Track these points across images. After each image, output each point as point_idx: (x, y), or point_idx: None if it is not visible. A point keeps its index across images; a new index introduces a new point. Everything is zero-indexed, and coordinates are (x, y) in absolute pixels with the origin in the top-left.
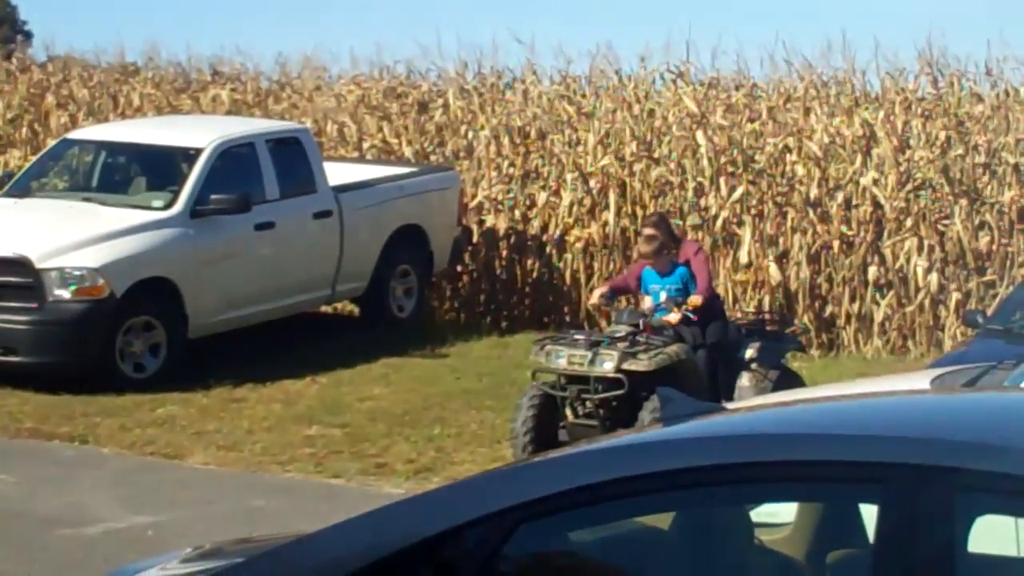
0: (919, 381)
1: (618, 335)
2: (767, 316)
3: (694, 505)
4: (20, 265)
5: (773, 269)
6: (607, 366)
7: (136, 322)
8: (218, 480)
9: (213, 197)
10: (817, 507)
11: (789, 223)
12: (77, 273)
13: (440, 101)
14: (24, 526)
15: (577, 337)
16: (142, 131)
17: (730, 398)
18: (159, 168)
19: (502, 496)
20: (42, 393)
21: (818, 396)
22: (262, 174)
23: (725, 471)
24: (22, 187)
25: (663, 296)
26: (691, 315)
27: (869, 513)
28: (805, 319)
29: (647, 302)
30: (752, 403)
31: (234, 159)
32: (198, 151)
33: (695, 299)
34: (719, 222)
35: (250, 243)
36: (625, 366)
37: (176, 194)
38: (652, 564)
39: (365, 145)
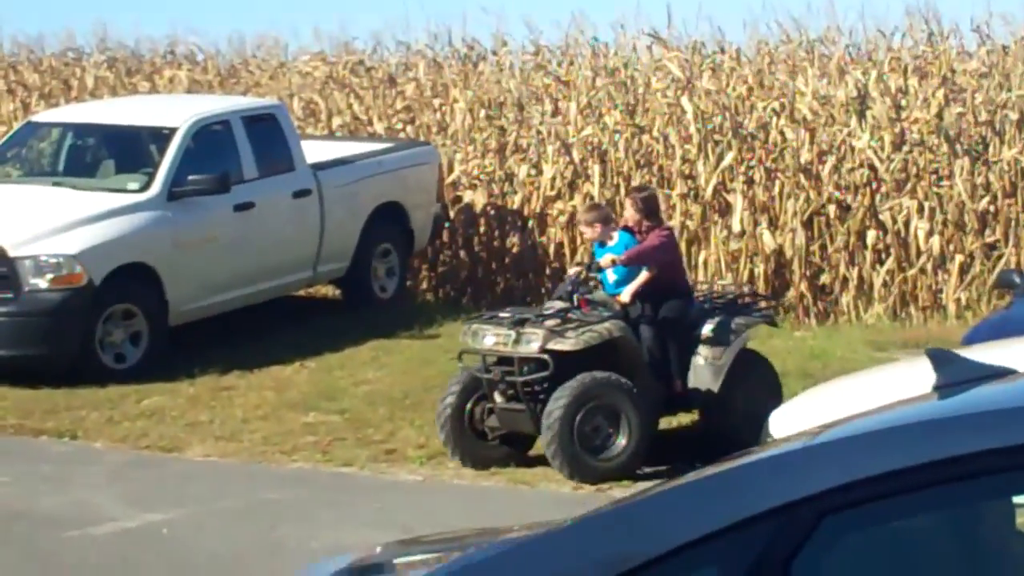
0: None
1: (547, 312)
2: (741, 290)
3: None
4: None
5: (767, 237)
6: (532, 346)
7: (116, 310)
8: (222, 473)
9: (191, 178)
10: None
11: (779, 188)
12: (54, 260)
13: (410, 75)
14: (29, 528)
15: (503, 315)
16: (112, 111)
17: (684, 378)
18: (131, 149)
19: (794, 484)
20: (20, 387)
21: None
22: (239, 153)
23: None
24: None
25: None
26: (595, 275)
27: None
28: (802, 287)
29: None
30: None
31: (210, 138)
32: (172, 130)
33: (607, 257)
34: (709, 190)
35: (230, 225)
36: (550, 345)
37: (152, 176)
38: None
39: (335, 122)
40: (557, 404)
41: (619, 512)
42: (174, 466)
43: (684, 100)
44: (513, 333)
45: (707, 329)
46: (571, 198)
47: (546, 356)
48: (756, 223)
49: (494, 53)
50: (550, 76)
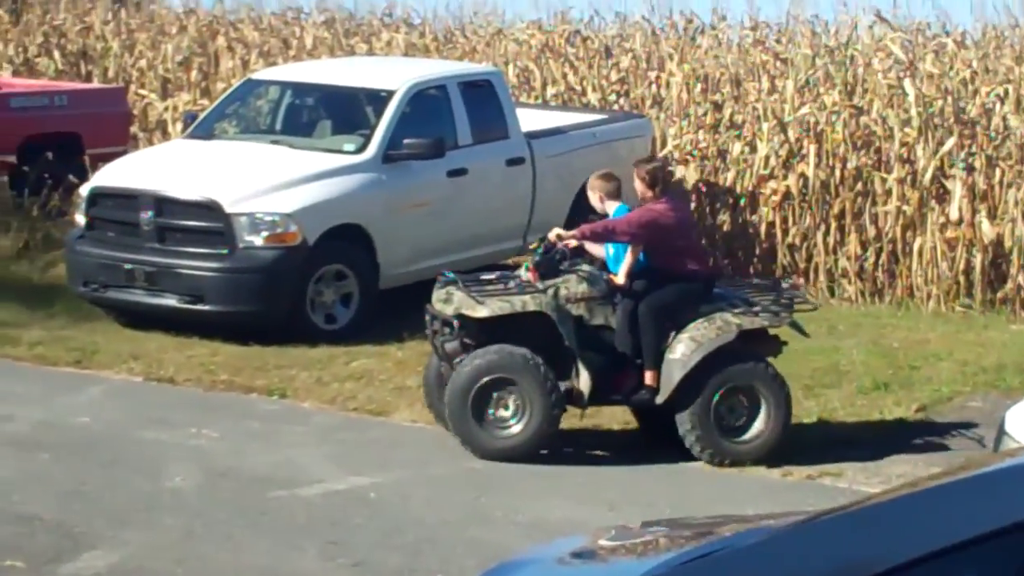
0: None
1: (488, 277)
2: (776, 286)
3: None
4: (210, 209)
5: (985, 226)
6: (449, 308)
7: (328, 271)
8: (429, 439)
9: (406, 141)
10: None
11: (1000, 177)
12: (269, 219)
13: (626, 46)
14: (238, 486)
15: (448, 274)
16: (330, 72)
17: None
18: (348, 110)
19: None
20: (231, 343)
21: None
22: (454, 118)
23: None
24: (206, 129)
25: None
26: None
27: None
28: (1020, 279)
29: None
30: None
31: (426, 102)
32: (390, 93)
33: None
34: (928, 175)
35: (443, 190)
36: (463, 310)
37: (368, 138)
38: None
39: (549, 92)
40: (459, 371)
41: (867, 513)
42: (381, 430)
43: (906, 83)
44: (444, 293)
45: (696, 322)
46: (785, 178)
47: (454, 320)
48: (975, 211)
49: (712, 27)
50: (768, 52)
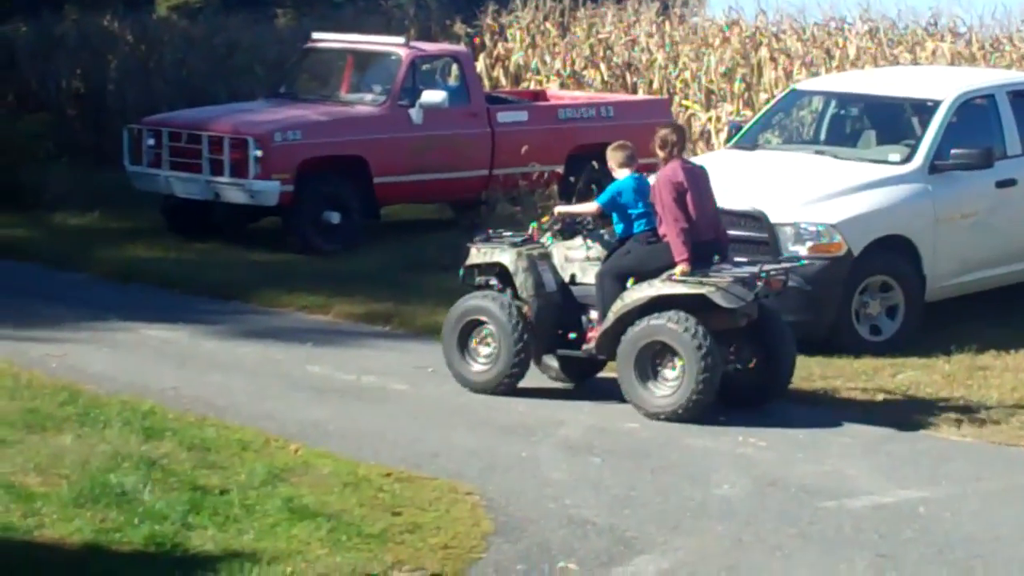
0: None
1: (508, 235)
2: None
3: None
4: (755, 220)
5: None
6: None
7: (872, 282)
8: (978, 454)
9: (954, 152)
10: None
11: None
12: (813, 229)
13: None
14: (785, 496)
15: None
16: (874, 82)
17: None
18: (892, 120)
19: None
20: None
21: None
22: (1003, 128)
23: None
24: (751, 139)
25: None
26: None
27: None
28: None
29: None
30: None
31: (974, 112)
32: (936, 103)
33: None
34: None
35: (991, 201)
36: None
37: (914, 148)
38: None
39: None
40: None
41: None
42: (927, 443)
43: None
44: None
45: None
46: None
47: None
48: None
49: None
50: None
